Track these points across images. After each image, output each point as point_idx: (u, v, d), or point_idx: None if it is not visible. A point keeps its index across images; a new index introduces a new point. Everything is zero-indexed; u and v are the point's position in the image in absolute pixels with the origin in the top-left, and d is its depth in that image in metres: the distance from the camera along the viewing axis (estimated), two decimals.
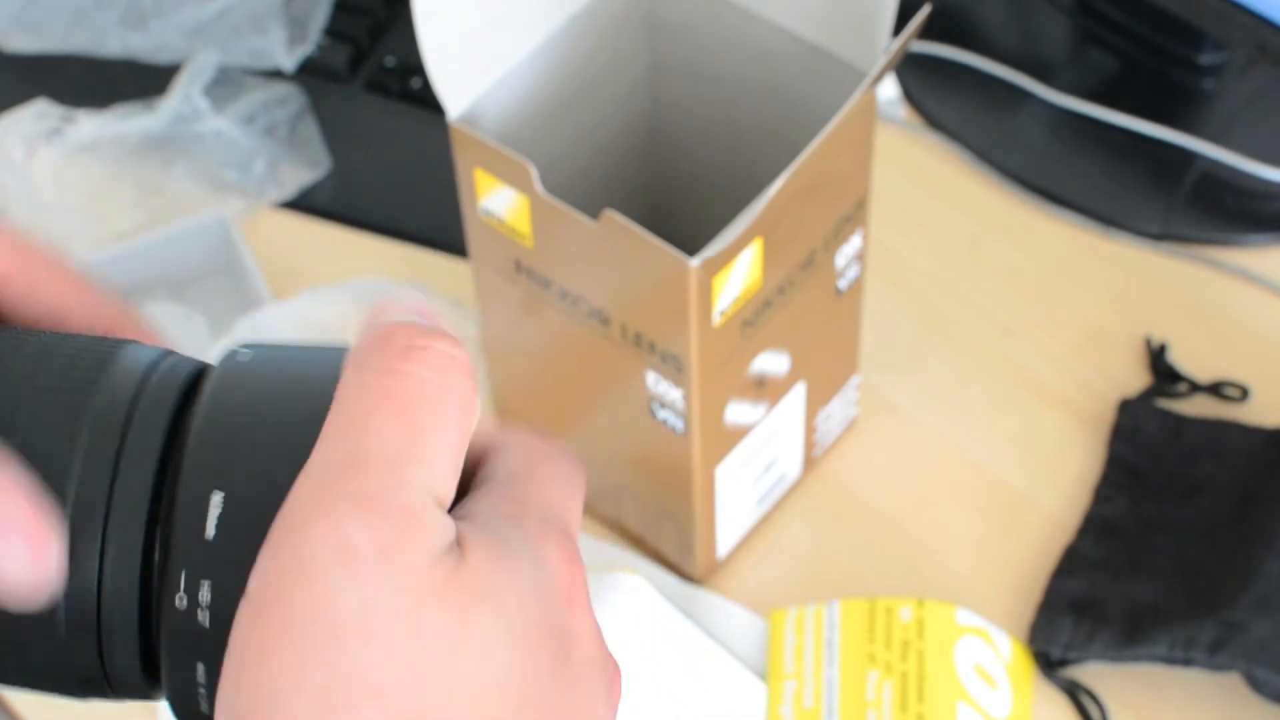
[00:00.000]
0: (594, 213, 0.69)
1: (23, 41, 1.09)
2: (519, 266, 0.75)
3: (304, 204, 1.01)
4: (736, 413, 0.77)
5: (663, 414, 0.75)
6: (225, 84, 1.05)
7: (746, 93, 0.80)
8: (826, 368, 0.83)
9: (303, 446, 0.35)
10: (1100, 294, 0.94)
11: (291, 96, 1.04)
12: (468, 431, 0.37)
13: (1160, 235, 0.96)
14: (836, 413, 0.87)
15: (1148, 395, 0.89)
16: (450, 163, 0.77)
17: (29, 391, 0.36)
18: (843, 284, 0.80)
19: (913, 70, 1.05)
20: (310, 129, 1.03)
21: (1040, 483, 0.87)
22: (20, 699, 0.83)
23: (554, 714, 0.35)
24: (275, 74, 1.06)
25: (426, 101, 1.02)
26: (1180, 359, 0.91)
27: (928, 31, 1.03)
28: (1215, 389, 0.89)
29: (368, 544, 0.33)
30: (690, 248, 0.68)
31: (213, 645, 0.34)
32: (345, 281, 0.91)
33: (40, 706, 0.83)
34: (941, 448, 0.89)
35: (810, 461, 0.87)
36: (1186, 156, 0.99)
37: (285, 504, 0.34)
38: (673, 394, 0.74)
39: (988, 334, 0.93)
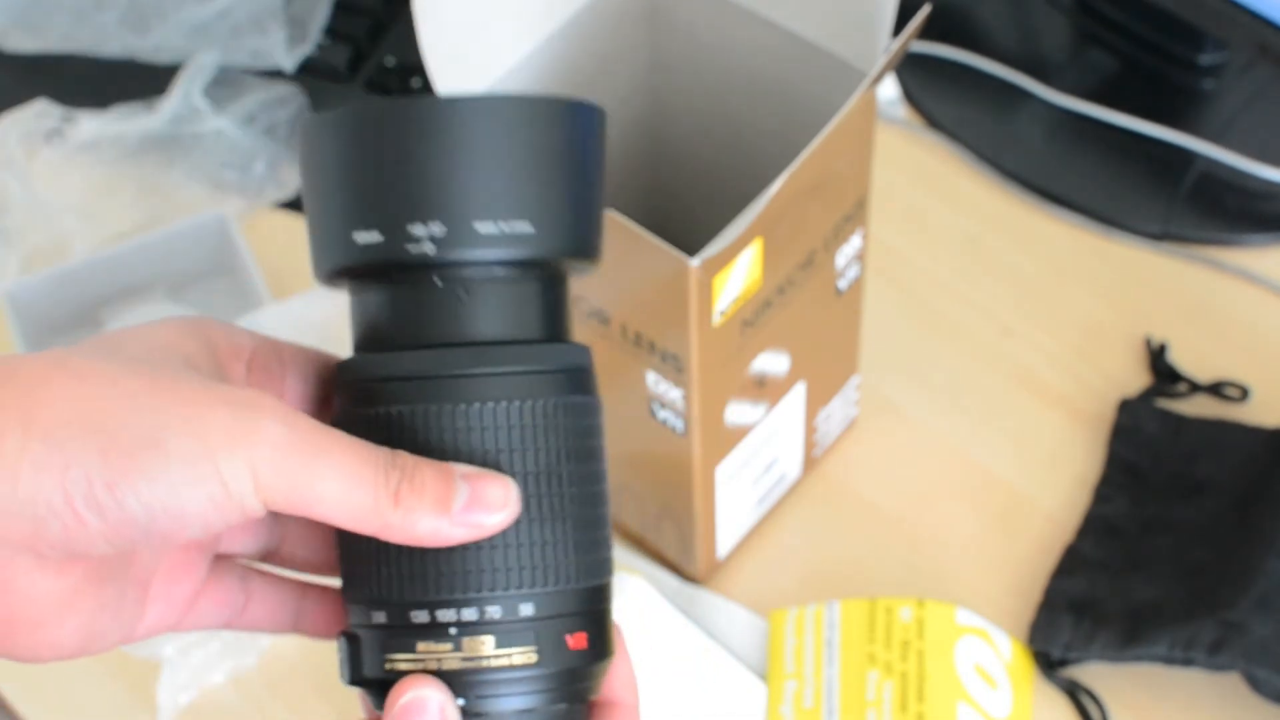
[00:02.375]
0: None
1: (23, 41, 1.09)
2: None
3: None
4: (736, 413, 0.77)
5: (663, 414, 0.75)
6: (225, 84, 1.05)
7: (747, 93, 0.80)
8: (826, 367, 0.83)
9: None
10: (1100, 294, 0.94)
11: (292, 96, 1.04)
12: None
13: (1160, 235, 0.96)
14: (836, 413, 0.87)
15: (1148, 395, 0.89)
16: None
17: None
18: (843, 284, 0.80)
19: (913, 70, 1.05)
20: None
21: (1040, 483, 0.87)
22: (20, 699, 0.83)
23: None
24: (275, 74, 1.06)
25: None
26: (1180, 359, 0.91)
27: (928, 31, 1.03)
28: (1215, 389, 0.89)
29: None
30: (690, 248, 0.68)
31: None
32: None
33: (40, 705, 0.83)
34: (942, 448, 0.89)
35: (810, 461, 0.87)
36: (1186, 156, 0.99)
37: None
38: (673, 394, 0.74)
39: (988, 334, 0.93)
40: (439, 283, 0.47)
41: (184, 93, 1.03)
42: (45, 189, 1.01)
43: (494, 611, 0.46)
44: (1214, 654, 0.76)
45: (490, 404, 0.46)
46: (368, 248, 0.46)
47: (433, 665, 0.46)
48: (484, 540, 0.46)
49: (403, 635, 0.47)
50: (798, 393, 0.81)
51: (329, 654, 0.83)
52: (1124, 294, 0.94)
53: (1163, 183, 0.99)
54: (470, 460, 0.46)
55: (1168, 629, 0.77)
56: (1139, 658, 0.78)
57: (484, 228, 0.46)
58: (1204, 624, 0.77)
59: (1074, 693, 0.79)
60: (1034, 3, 1.08)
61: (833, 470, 0.88)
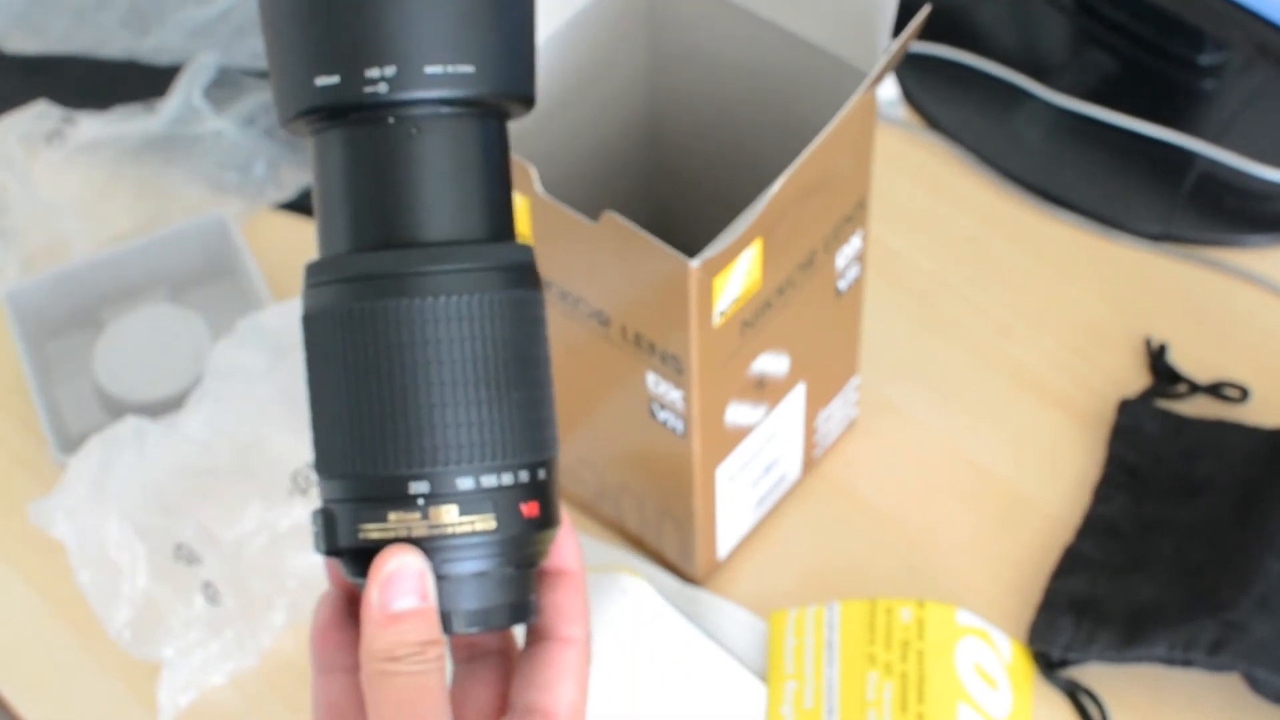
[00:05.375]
0: (594, 213, 0.69)
1: (24, 42, 1.09)
2: None
3: (304, 205, 1.01)
4: (737, 414, 0.77)
5: (663, 415, 0.75)
6: (226, 85, 1.05)
7: (746, 93, 0.80)
8: (826, 368, 0.83)
9: None
10: (1100, 294, 0.94)
11: None
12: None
13: (1160, 235, 0.96)
14: (836, 413, 0.87)
15: (1148, 395, 0.89)
16: None
17: None
18: (843, 284, 0.80)
19: (913, 71, 1.05)
20: None
21: (1040, 483, 0.87)
22: (21, 699, 0.83)
23: None
24: None
25: None
26: (1180, 359, 0.91)
27: (928, 32, 1.03)
28: (1215, 389, 0.89)
29: None
30: (690, 248, 0.68)
31: None
32: None
33: (40, 706, 0.83)
34: (942, 448, 0.89)
35: (810, 462, 0.87)
36: (1186, 157, 0.99)
37: None
38: (673, 395, 0.74)
39: (987, 334, 0.93)
40: (391, 121, 0.51)
41: (184, 94, 1.03)
42: (45, 190, 1.01)
43: (457, 483, 0.51)
44: (1214, 654, 0.76)
45: (443, 298, 0.51)
46: (327, 89, 0.51)
47: (403, 533, 0.51)
48: (441, 419, 0.50)
49: (375, 506, 0.51)
50: (798, 394, 0.81)
51: None
52: (1124, 294, 0.94)
53: (1163, 183, 0.99)
54: (427, 345, 0.50)
55: (1167, 629, 0.77)
56: (1139, 658, 0.78)
57: (431, 69, 0.51)
58: (1204, 624, 0.77)
59: (1074, 693, 0.79)
60: (1034, 3, 1.08)
61: (833, 471, 0.88)
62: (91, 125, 1.02)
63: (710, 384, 0.73)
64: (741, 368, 0.75)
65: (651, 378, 0.74)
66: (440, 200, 0.52)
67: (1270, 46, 0.91)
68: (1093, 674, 0.80)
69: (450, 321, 0.51)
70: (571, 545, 0.55)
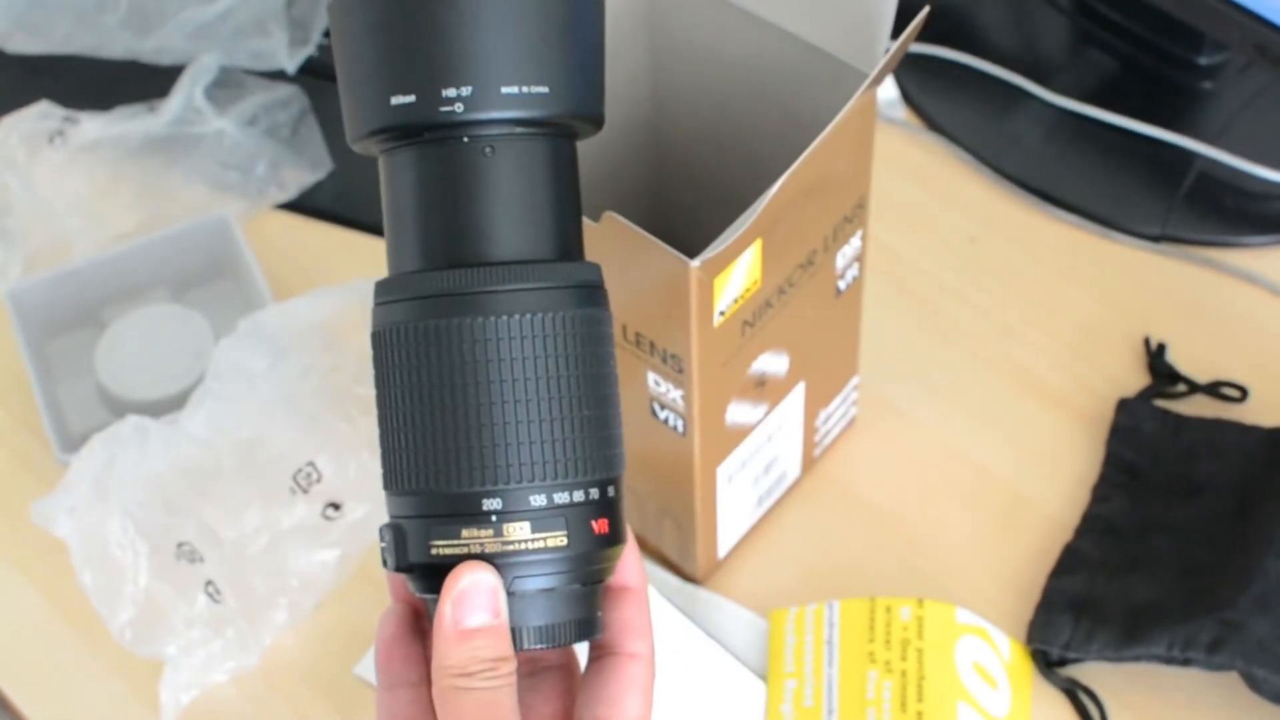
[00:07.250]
0: (594, 213, 0.69)
1: (25, 43, 1.09)
2: None
3: (305, 205, 1.01)
4: (737, 413, 0.77)
5: (663, 414, 0.75)
6: (227, 85, 1.05)
7: (747, 94, 0.80)
8: (826, 368, 0.83)
9: None
10: (1099, 294, 0.94)
11: (293, 98, 1.04)
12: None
13: (1159, 236, 0.97)
14: (836, 413, 0.87)
15: (1146, 395, 0.89)
16: None
17: None
18: (843, 285, 0.80)
19: (912, 71, 1.05)
20: (312, 130, 1.04)
21: (1039, 482, 0.87)
22: (22, 698, 0.83)
23: None
24: (277, 75, 1.06)
25: None
26: (1179, 359, 0.91)
27: (927, 33, 1.03)
28: (1214, 389, 0.89)
29: None
30: (691, 249, 0.68)
31: None
32: (346, 281, 0.91)
33: (42, 705, 0.83)
34: (941, 448, 0.89)
35: (810, 461, 0.87)
36: (1185, 157, 0.99)
37: None
38: (673, 394, 0.74)
39: (987, 334, 0.93)
40: (466, 140, 0.52)
41: (186, 94, 1.03)
42: (47, 190, 1.01)
43: (529, 499, 0.51)
44: (1212, 653, 0.76)
45: (515, 316, 0.51)
46: (403, 108, 0.51)
47: (475, 549, 0.51)
48: (515, 436, 0.51)
49: (447, 523, 0.52)
50: (798, 393, 0.81)
51: (330, 654, 0.83)
52: (1123, 294, 0.94)
53: (1161, 183, 0.99)
54: (500, 363, 0.51)
55: (1166, 628, 0.78)
56: (1138, 657, 0.78)
57: (507, 90, 0.52)
58: (1202, 623, 0.77)
59: (1073, 692, 0.79)
60: (1033, 4, 1.08)
61: (832, 470, 0.88)
62: (93, 125, 1.02)
63: (710, 384, 0.73)
64: (742, 367, 0.75)
65: (652, 377, 0.74)
66: (512, 219, 0.52)
67: (1269, 47, 0.92)
68: (1092, 673, 0.80)
69: (523, 339, 0.51)
70: (635, 561, 0.55)
